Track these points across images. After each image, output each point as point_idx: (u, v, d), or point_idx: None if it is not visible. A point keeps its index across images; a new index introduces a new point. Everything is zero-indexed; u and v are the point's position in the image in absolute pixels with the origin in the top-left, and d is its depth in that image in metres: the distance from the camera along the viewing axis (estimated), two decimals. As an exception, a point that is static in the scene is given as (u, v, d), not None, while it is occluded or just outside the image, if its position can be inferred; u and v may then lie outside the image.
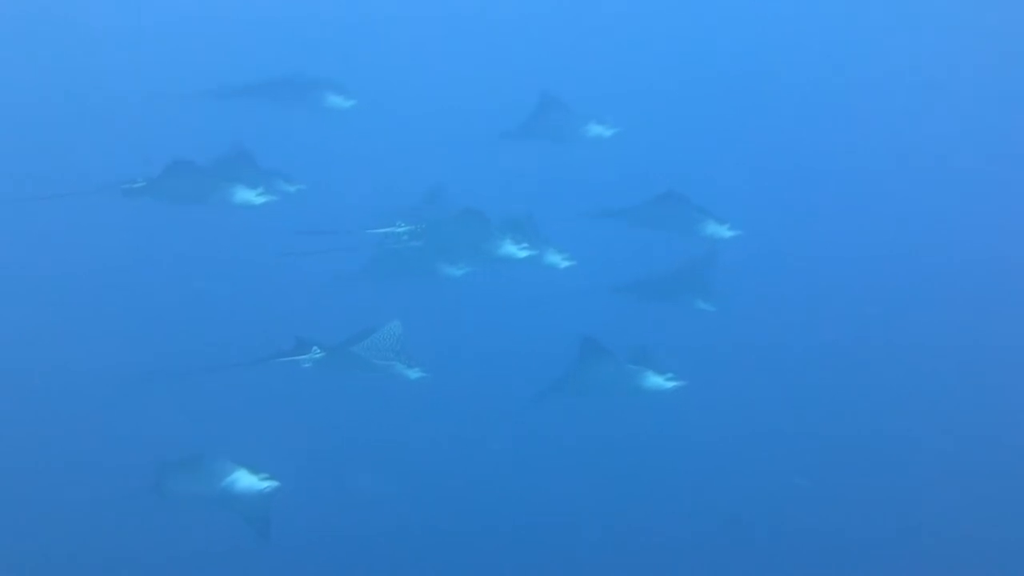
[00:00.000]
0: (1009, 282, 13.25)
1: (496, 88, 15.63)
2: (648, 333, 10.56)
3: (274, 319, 11.08)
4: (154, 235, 12.34)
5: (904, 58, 17.58)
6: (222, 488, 8.38)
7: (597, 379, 9.94)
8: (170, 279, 12.25)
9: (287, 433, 9.58)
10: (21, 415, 10.27)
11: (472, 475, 10.15)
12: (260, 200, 11.02)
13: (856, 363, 11.88)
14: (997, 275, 13.36)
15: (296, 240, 10.95)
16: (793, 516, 10.00)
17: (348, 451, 10.08)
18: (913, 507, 10.15)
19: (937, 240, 14.01)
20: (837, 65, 17.57)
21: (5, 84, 15.23)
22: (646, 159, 14.47)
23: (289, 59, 14.16)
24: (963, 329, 12.41)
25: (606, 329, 10.03)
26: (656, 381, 9.93)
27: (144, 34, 16.98)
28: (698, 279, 11.43)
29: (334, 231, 10.82)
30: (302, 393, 10.01)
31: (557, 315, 11.41)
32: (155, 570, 9.17)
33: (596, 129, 13.60)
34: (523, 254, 10.70)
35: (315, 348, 9.49)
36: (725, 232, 11.57)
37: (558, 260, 11.03)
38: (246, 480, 8.39)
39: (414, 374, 9.67)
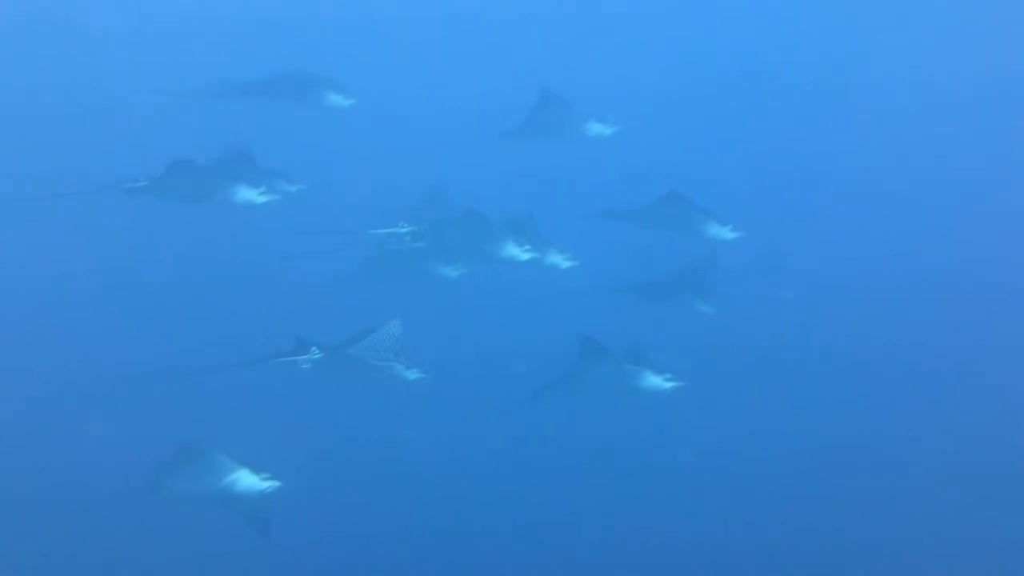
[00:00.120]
0: (1009, 282, 13.24)
1: (496, 87, 15.63)
2: (648, 333, 10.55)
3: (274, 319, 11.08)
4: (154, 235, 12.34)
5: (904, 59, 17.58)
6: (223, 487, 8.37)
7: (596, 379, 9.95)
8: (170, 279, 12.25)
9: (286, 433, 9.57)
10: (21, 415, 10.25)
11: (471, 475, 10.14)
12: (262, 199, 11.01)
13: (856, 363, 11.89)
14: (997, 275, 13.36)
15: (296, 240, 10.95)
16: (793, 516, 10.00)
17: (347, 451, 10.07)
18: (913, 507, 10.15)
19: (937, 240, 14.02)
20: (837, 65, 17.59)
21: (5, 84, 15.23)
22: (647, 159, 14.47)
23: (289, 58, 14.14)
24: (963, 329, 12.41)
25: (606, 329, 10.03)
26: (655, 381, 9.93)
27: (144, 34, 16.98)
28: (698, 281, 11.43)
29: (335, 231, 10.82)
30: (301, 393, 10.00)
31: (557, 315, 11.41)
32: (155, 570, 9.17)
33: (597, 127, 13.59)
34: (525, 256, 10.70)
35: (314, 348, 9.48)
36: (728, 234, 11.57)
37: (559, 260, 11.01)
38: (247, 480, 8.38)
39: (413, 375, 9.67)
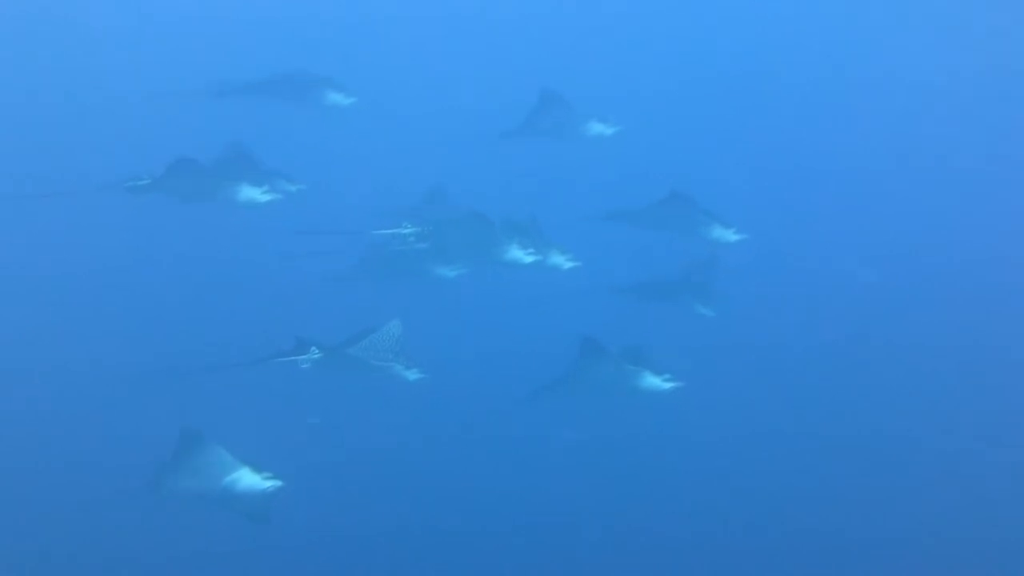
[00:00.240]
0: (1009, 282, 13.25)
1: (496, 87, 15.64)
2: (649, 334, 10.55)
3: (274, 318, 11.08)
4: (155, 234, 12.34)
5: (904, 59, 17.57)
6: (224, 486, 8.37)
7: (595, 379, 9.95)
8: (170, 278, 12.24)
9: (286, 433, 9.57)
10: (21, 414, 10.25)
11: (470, 475, 10.14)
12: (264, 199, 11.03)
13: (856, 363, 11.88)
14: (997, 275, 13.36)
15: (297, 240, 10.95)
16: (793, 516, 10.00)
17: (347, 451, 10.06)
18: (912, 507, 10.15)
19: (937, 240, 14.02)
20: (838, 65, 17.59)
21: (5, 84, 15.23)
22: (647, 159, 14.47)
23: (290, 58, 14.14)
24: (963, 329, 12.41)
25: (607, 330, 10.04)
26: (654, 382, 9.94)
27: (145, 33, 16.98)
28: (699, 283, 11.43)
29: (336, 231, 10.82)
30: (301, 393, 10.00)
31: (557, 316, 11.40)
32: (155, 570, 9.16)
33: (597, 127, 13.59)
34: (529, 259, 10.72)
35: (313, 348, 9.48)
36: (730, 236, 11.59)
37: (561, 261, 11.03)
38: (249, 479, 8.38)
39: (413, 375, 9.67)
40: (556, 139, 13.51)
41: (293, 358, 9.47)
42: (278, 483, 8.37)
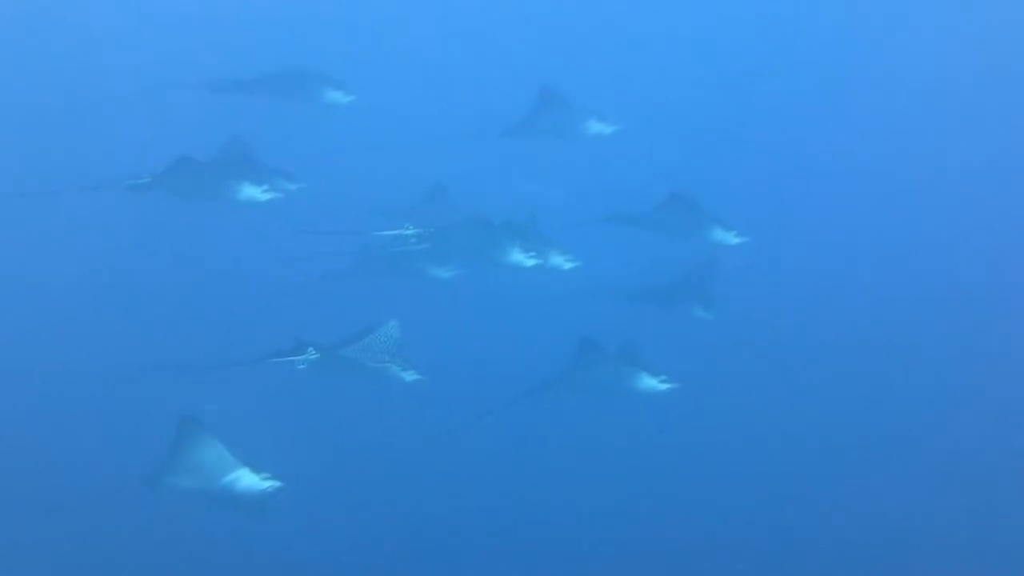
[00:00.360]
0: (1009, 282, 13.25)
1: (496, 87, 15.61)
2: (648, 336, 10.55)
3: (271, 318, 11.09)
4: (153, 233, 12.32)
5: (904, 61, 17.55)
6: (222, 486, 8.36)
7: (592, 380, 9.96)
8: (169, 276, 12.23)
9: (283, 433, 9.54)
10: (20, 413, 10.25)
11: (469, 477, 10.13)
12: (265, 197, 11.02)
13: (856, 365, 11.89)
14: (997, 275, 13.36)
15: (297, 240, 10.94)
16: (792, 517, 9.99)
17: (345, 452, 10.04)
18: (913, 508, 10.15)
19: (937, 241, 14.01)
20: (839, 68, 17.56)
21: (5, 83, 15.22)
22: (648, 161, 14.48)
23: (290, 56, 14.14)
24: (963, 330, 12.41)
25: (606, 331, 10.04)
26: (651, 383, 9.94)
27: (145, 32, 16.98)
28: (698, 287, 11.43)
29: (336, 231, 10.81)
30: (299, 393, 9.98)
31: (556, 317, 11.39)
32: (155, 570, 9.16)
33: (597, 126, 13.58)
34: (530, 263, 10.71)
35: (310, 349, 9.47)
36: (731, 239, 11.60)
37: (561, 262, 11.03)
38: (248, 479, 8.37)
39: (409, 376, 9.66)
40: (555, 138, 13.50)
41: (290, 359, 9.46)
42: (277, 484, 8.36)
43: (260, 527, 8.63)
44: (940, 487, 10.32)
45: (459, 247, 10.95)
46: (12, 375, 10.51)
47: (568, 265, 11.06)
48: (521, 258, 10.70)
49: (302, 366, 9.46)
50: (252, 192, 10.99)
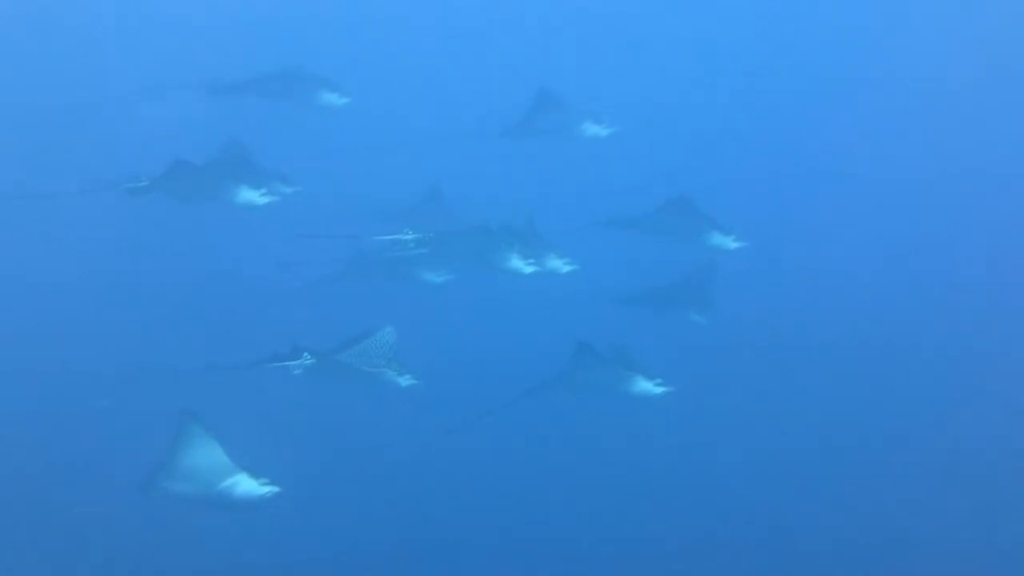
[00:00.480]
0: (1010, 283, 13.24)
1: (495, 87, 15.61)
2: (646, 339, 10.55)
3: (268, 322, 11.09)
4: (151, 235, 12.32)
5: (904, 62, 17.54)
6: (220, 491, 8.35)
7: (587, 383, 9.95)
8: (166, 280, 12.22)
9: (280, 437, 9.53)
10: (19, 414, 10.25)
11: (468, 479, 10.12)
12: (262, 200, 11.02)
13: (855, 367, 11.88)
14: (997, 276, 13.35)
15: (294, 243, 10.93)
16: (792, 518, 9.99)
17: (342, 456, 10.03)
18: (912, 508, 10.14)
19: (937, 241, 14.00)
20: (839, 70, 17.54)
21: (5, 84, 15.23)
22: (647, 164, 14.48)
23: (287, 58, 14.14)
24: (963, 331, 12.40)
25: (604, 335, 10.04)
26: (646, 387, 9.93)
27: (144, 34, 16.99)
28: (697, 291, 11.42)
29: (334, 234, 10.80)
30: (296, 397, 9.97)
31: (554, 321, 11.36)
32: (154, 570, 9.16)
33: (594, 128, 13.58)
34: (529, 269, 10.69)
35: (306, 354, 9.45)
36: (731, 243, 11.60)
37: (559, 266, 11.01)
38: (246, 484, 8.35)
39: (405, 381, 9.64)
40: (553, 139, 13.49)
41: (286, 363, 9.44)
42: (275, 489, 8.35)
43: (258, 530, 8.61)
44: (940, 487, 10.31)
45: (457, 252, 10.92)
46: (11, 376, 10.51)
47: (566, 268, 11.05)
48: (519, 263, 10.68)
49: (298, 371, 9.45)
50: (249, 195, 10.99)
